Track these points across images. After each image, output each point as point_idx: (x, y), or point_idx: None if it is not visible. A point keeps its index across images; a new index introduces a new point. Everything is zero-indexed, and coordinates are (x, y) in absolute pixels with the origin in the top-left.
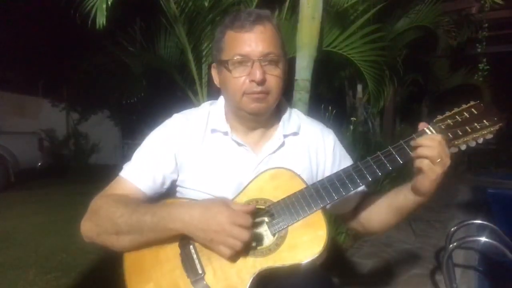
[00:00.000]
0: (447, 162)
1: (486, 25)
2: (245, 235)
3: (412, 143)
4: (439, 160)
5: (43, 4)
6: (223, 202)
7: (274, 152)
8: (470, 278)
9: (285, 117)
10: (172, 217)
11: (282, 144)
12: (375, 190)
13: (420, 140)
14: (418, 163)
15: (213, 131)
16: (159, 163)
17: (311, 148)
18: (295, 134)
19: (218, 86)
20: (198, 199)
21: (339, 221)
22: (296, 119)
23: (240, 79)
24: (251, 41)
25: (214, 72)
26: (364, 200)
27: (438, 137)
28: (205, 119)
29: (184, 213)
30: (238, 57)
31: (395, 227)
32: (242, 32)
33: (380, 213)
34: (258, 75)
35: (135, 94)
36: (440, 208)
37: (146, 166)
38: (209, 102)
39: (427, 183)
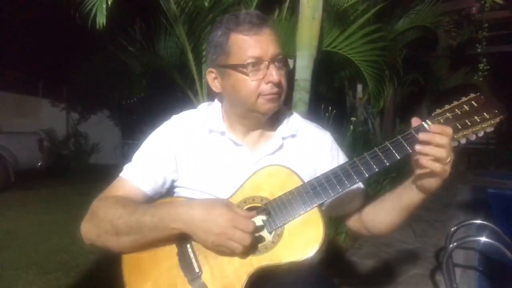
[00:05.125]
0: (453, 157)
1: (486, 25)
2: (246, 239)
3: (421, 136)
4: (449, 159)
5: (43, 4)
6: (225, 204)
7: (272, 153)
8: (470, 278)
9: (283, 119)
10: (172, 217)
11: (281, 146)
12: (375, 191)
13: (430, 136)
14: (429, 164)
15: (210, 131)
16: (160, 164)
17: (309, 150)
18: (293, 136)
19: (218, 91)
20: (196, 198)
21: (340, 221)
22: (294, 121)
23: (255, 81)
24: (262, 43)
25: (211, 77)
26: (367, 203)
27: (450, 132)
28: (202, 120)
29: (184, 213)
30: (251, 60)
31: None
32: (251, 34)
33: (385, 215)
34: (276, 76)
35: (135, 94)
36: (440, 208)
37: (147, 166)
38: (207, 103)
39: (437, 183)
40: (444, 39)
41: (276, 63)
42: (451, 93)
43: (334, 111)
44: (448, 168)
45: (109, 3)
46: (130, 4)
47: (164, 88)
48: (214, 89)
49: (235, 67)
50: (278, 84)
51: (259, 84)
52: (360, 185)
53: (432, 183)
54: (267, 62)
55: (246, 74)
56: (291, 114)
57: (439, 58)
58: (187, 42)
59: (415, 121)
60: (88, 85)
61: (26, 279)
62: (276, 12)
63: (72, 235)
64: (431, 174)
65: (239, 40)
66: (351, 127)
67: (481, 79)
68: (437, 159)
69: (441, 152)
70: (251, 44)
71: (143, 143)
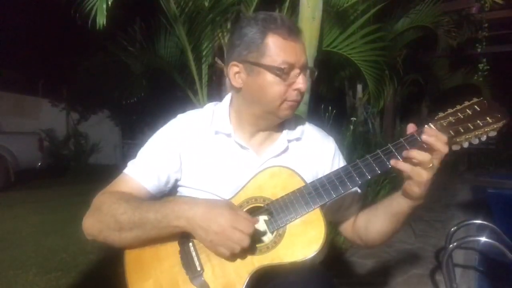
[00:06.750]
0: (437, 165)
1: (486, 25)
2: (245, 241)
3: (404, 153)
4: (431, 165)
5: (43, 4)
6: (227, 204)
7: (277, 156)
8: (470, 278)
9: (289, 121)
10: (175, 214)
11: (286, 149)
12: (375, 191)
13: (412, 152)
14: (405, 168)
15: (217, 132)
16: (164, 162)
17: (312, 154)
18: (298, 139)
19: (238, 86)
20: (199, 197)
21: (334, 227)
22: (299, 124)
23: (284, 86)
24: (297, 51)
25: (233, 71)
26: (361, 211)
27: (441, 137)
28: (209, 120)
29: (187, 210)
30: (285, 65)
31: None
32: (289, 40)
33: (377, 221)
34: (304, 85)
35: (135, 94)
36: (440, 208)
37: (151, 164)
38: (213, 103)
39: (416, 189)
40: (444, 39)
41: (304, 73)
42: (451, 93)
43: (334, 111)
44: (425, 174)
45: (109, 3)
46: (130, 4)
47: (164, 88)
48: (233, 83)
49: (270, 68)
50: (302, 93)
51: (287, 89)
52: (358, 190)
53: (413, 188)
54: (298, 70)
55: (280, 77)
56: (296, 117)
57: (439, 58)
58: (187, 42)
59: (410, 128)
60: (88, 85)
61: (26, 279)
62: (276, 12)
63: (72, 235)
64: (408, 177)
65: (277, 42)
66: (351, 127)
67: (481, 79)
68: (418, 163)
69: (423, 156)
70: (287, 49)
71: (148, 141)
